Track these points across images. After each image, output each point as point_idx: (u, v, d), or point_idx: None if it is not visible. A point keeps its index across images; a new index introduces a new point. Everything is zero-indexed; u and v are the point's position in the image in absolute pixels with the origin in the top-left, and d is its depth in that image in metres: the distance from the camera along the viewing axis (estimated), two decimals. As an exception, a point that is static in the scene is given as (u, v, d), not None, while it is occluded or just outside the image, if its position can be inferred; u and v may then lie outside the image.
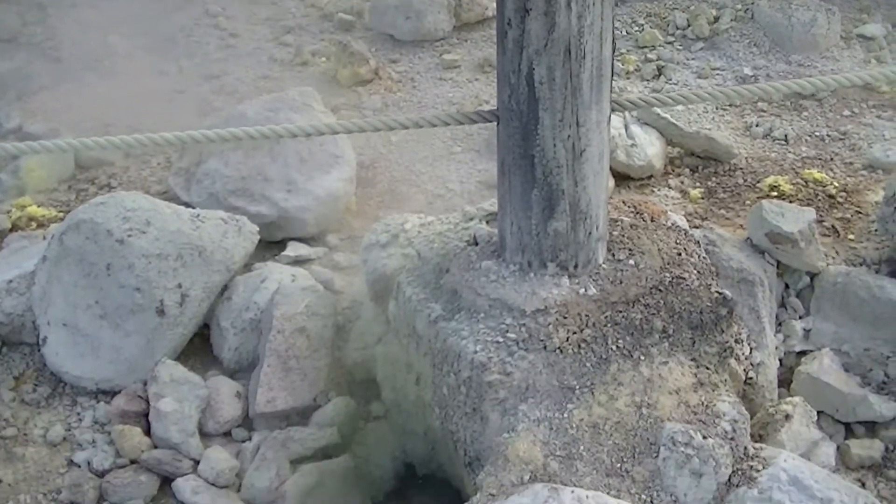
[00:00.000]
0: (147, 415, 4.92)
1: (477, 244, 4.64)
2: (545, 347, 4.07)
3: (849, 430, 5.04)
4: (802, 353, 5.19)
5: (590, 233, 4.30)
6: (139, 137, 4.09)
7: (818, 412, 4.77)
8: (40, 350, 5.22)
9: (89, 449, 4.88)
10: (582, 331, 4.12)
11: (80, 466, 4.81)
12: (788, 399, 4.66)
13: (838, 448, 4.84)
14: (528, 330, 4.10)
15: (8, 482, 4.70)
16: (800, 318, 5.27)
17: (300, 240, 6.05)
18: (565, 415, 3.96)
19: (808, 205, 5.67)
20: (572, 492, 3.63)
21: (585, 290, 4.25)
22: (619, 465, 3.86)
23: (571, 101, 4.02)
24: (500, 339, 4.10)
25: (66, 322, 5.15)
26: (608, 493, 3.73)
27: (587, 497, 3.62)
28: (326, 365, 5.09)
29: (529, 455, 3.84)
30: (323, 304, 5.23)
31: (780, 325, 5.21)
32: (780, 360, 5.07)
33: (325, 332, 5.14)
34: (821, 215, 5.62)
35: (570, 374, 4.05)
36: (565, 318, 4.13)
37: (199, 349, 5.34)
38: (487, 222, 4.78)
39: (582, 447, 3.88)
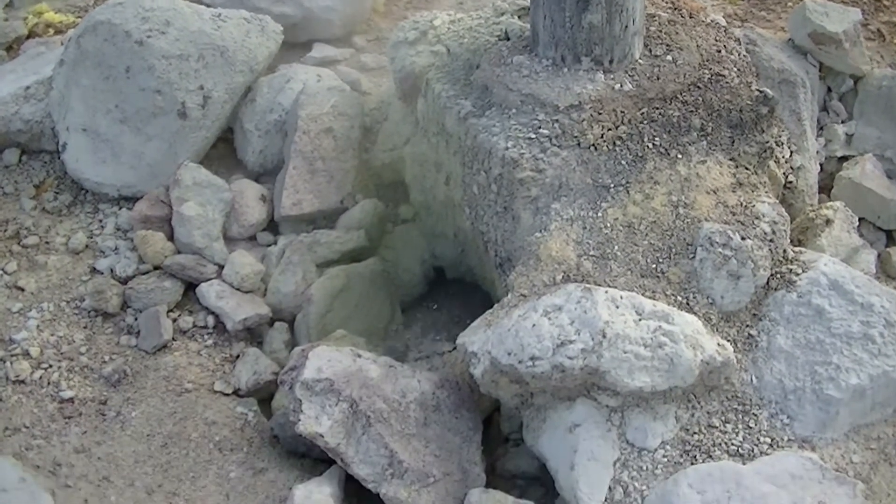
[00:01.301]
0: (170, 220, 4.84)
1: (508, 39, 4.49)
2: (579, 144, 3.94)
3: (890, 237, 4.96)
4: (844, 159, 5.09)
5: (626, 26, 4.12)
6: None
7: (859, 219, 4.67)
8: (60, 157, 5.14)
9: (112, 256, 4.82)
10: (617, 127, 3.98)
11: (102, 273, 4.77)
12: (829, 204, 4.57)
13: (879, 255, 4.76)
14: (561, 126, 3.97)
15: (31, 290, 4.66)
16: (842, 122, 5.15)
17: (326, 41, 5.92)
18: (599, 214, 3.86)
19: (854, 6, 5.47)
20: (606, 292, 3.54)
21: (621, 86, 4.10)
22: (654, 265, 3.77)
23: None
24: (533, 136, 3.98)
25: (85, 127, 5.04)
26: (643, 294, 3.65)
27: (621, 297, 3.54)
28: (353, 167, 4.99)
29: (562, 254, 3.76)
30: (350, 105, 5.10)
31: (821, 129, 5.09)
32: (821, 165, 4.97)
33: (351, 133, 5.03)
34: (866, 18, 5.43)
35: (605, 172, 3.93)
36: (600, 114, 3.99)
37: (222, 153, 5.24)
38: (519, 17, 4.64)
39: (616, 247, 3.79)
